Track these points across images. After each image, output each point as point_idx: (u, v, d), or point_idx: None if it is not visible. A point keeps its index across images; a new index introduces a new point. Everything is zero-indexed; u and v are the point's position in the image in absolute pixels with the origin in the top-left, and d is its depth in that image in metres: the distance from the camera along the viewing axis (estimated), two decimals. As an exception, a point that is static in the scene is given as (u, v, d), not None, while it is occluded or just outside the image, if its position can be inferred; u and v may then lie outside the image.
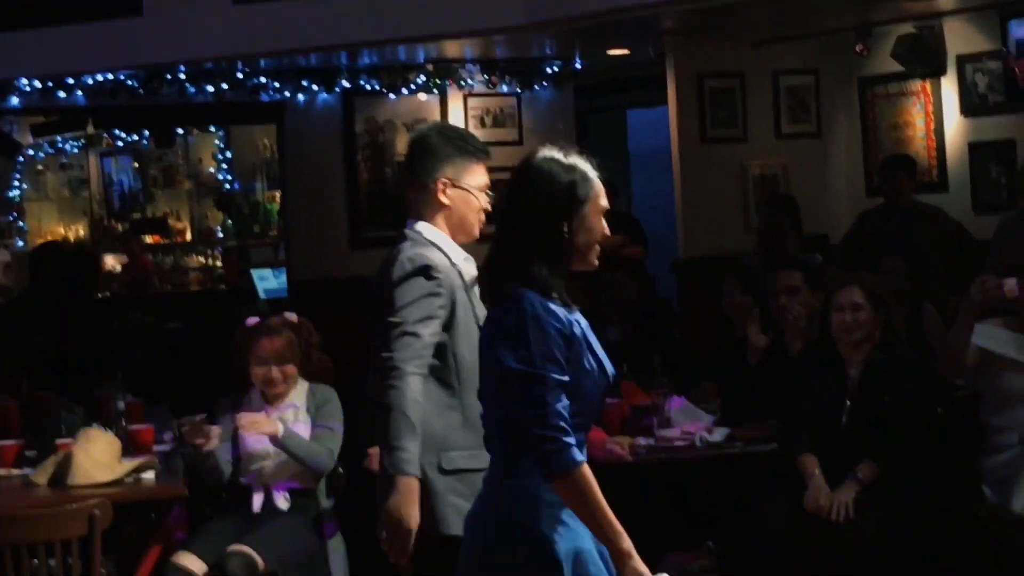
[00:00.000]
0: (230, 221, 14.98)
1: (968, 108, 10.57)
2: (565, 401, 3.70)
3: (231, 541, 6.14)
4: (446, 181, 4.67)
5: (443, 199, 4.67)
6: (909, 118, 10.98)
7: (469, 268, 4.62)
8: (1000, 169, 10.26)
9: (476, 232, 4.75)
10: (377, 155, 11.67)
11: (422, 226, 4.67)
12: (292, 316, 6.64)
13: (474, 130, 11.83)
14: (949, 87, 10.66)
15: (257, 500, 6.37)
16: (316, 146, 11.56)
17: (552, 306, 3.78)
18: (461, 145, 4.73)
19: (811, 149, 11.41)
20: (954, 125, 10.69)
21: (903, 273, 8.34)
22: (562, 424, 3.67)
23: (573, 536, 3.79)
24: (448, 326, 4.57)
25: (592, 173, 3.98)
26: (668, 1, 8.53)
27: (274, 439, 6.21)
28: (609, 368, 3.93)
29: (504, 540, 3.78)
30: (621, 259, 10.67)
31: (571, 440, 3.68)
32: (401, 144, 11.61)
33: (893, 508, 5.97)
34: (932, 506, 6.10)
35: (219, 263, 15.14)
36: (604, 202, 4.00)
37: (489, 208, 4.73)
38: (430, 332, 4.50)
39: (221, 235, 15.11)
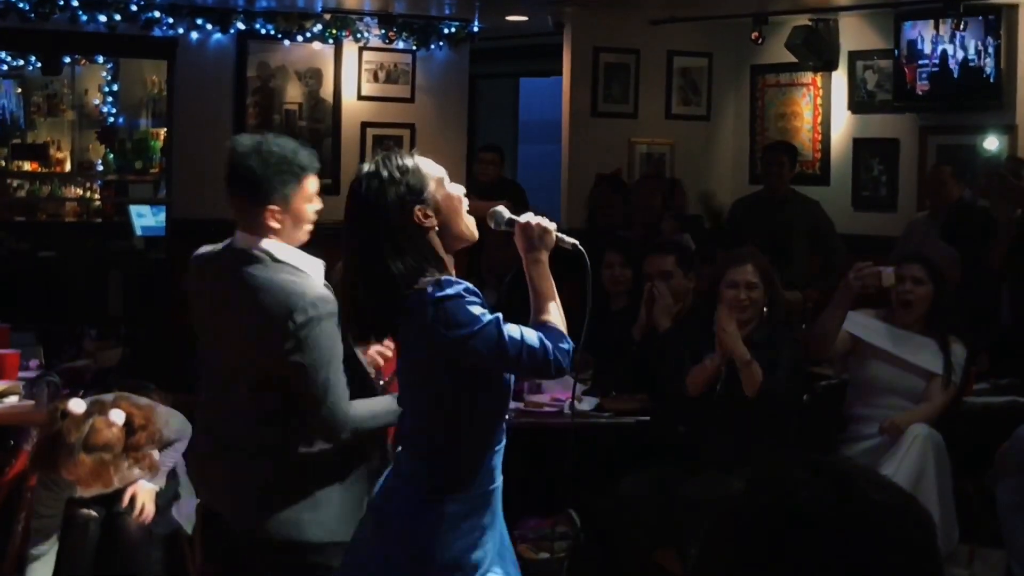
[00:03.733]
0: (112, 155, 14.80)
1: (856, 104, 10.74)
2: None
3: None
4: (275, 209, 4.38)
5: (274, 225, 4.40)
6: (797, 109, 11.12)
7: (319, 270, 4.54)
8: (882, 167, 10.45)
9: (306, 236, 4.52)
10: (267, 100, 11.59)
11: (271, 245, 4.40)
12: (117, 419, 5.74)
13: (367, 84, 11.82)
14: (839, 82, 10.82)
15: None
16: (206, 87, 11.45)
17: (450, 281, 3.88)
18: (286, 169, 4.43)
19: (699, 132, 11.52)
20: (841, 120, 10.86)
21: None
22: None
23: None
24: None
25: (411, 162, 3.97)
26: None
27: None
28: None
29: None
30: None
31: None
32: (292, 91, 11.57)
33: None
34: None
35: (97, 196, 14.97)
36: (440, 173, 4.00)
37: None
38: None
39: (101, 168, 14.92)
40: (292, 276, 4.34)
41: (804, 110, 11.08)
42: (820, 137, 10.96)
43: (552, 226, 4.09)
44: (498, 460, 3.96)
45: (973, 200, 9.07)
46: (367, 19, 11.62)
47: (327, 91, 11.74)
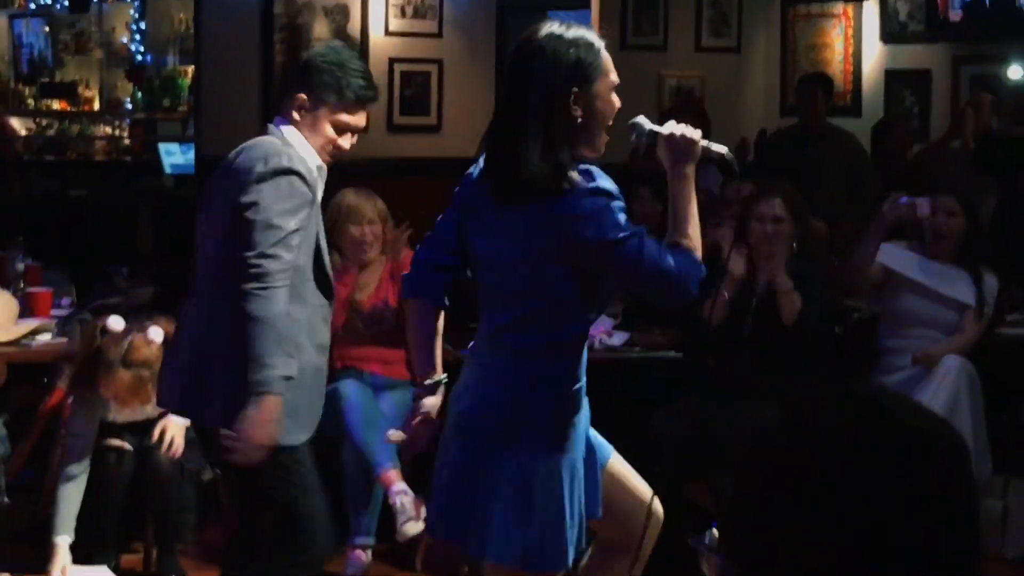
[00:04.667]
0: (140, 93, 14.81)
1: (888, 35, 10.67)
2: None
3: None
4: (303, 99, 4.55)
5: (295, 115, 4.56)
6: (828, 40, 11.05)
7: (321, 179, 4.60)
8: (914, 99, 10.39)
9: (324, 157, 4.61)
10: (294, 37, 11.54)
11: (288, 131, 4.55)
12: (156, 337, 5.83)
13: (394, 19, 11.77)
14: (870, 12, 10.75)
15: None
16: (233, 24, 11.41)
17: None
18: (336, 79, 4.58)
19: (729, 64, 11.45)
20: (873, 51, 10.79)
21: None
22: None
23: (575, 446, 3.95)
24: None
25: (600, 44, 3.86)
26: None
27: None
28: None
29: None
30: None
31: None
32: (320, 28, 11.50)
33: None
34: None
35: (126, 135, 14.99)
36: (614, 77, 3.89)
37: (347, 148, 4.66)
38: (297, 243, 4.40)
39: (130, 107, 14.94)
40: (281, 145, 4.48)
41: (835, 41, 11.01)
42: (852, 69, 10.90)
43: (697, 134, 3.90)
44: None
45: (1004, 130, 9.03)
46: (395, -47, 11.58)
47: (355, 27, 11.68)
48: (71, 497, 5.88)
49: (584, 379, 4.00)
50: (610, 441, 6.04)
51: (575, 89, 3.76)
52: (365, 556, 6.26)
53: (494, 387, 3.90)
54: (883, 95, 10.68)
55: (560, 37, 3.79)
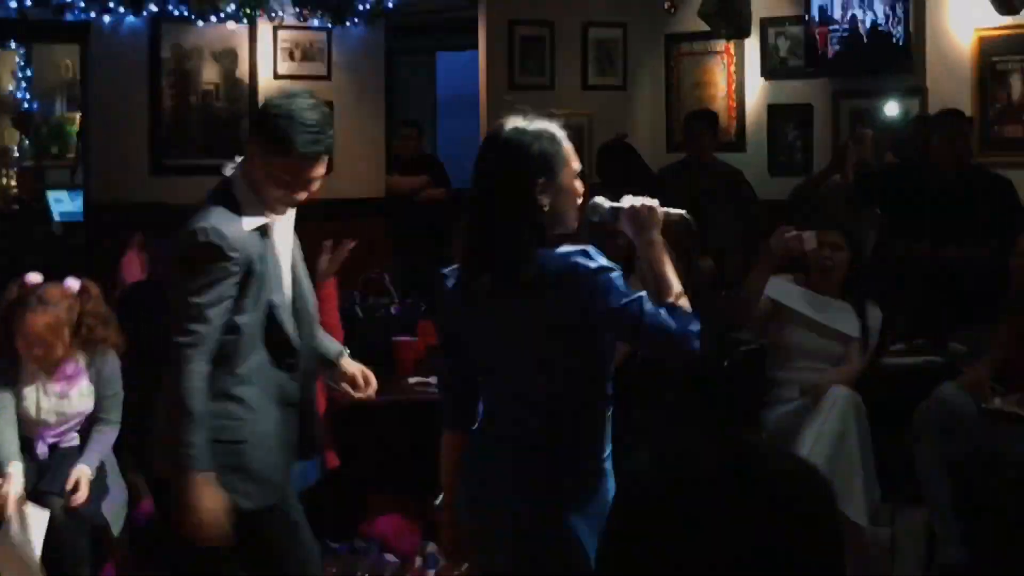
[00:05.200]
0: (27, 141, 14.67)
1: (769, 71, 10.80)
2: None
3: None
4: (255, 141, 4.44)
5: (260, 174, 4.41)
6: (712, 77, 11.17)
7: (283, 223, 4.50)
8: (796, 132, 10.51)
9: (277, 208, 4.47)
10: (182, 83, 11.50)
11: (237, 182, 4.43)
12: (73, 285, 6.14)
13: (283, 63, 11.76)
14: (752, 49, 10.86)
15: (41, 448, 6.28)
16: (120, 70, 11.35)
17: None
18: (283, 134, 4.37)
19: (617, 101, 11.54)
20: (755, 87, 10.91)
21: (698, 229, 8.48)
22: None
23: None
24: (237, 303, 4.37)
25: (562, 135, 3.97)
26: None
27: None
28: None
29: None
30: (422, 201, 10.72)
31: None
32: (208, 73, 11.48)
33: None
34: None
35: (14, 183, 14.83)
36: (576, 165, 4.00)
37: (302, 198, 4.47)
38: (218, 315, 4.28)
39: (17, 154, 14.79)
40: (215, 210, 4.35)
41: (719, 78, 11.13)
42: (735, 104, 11.02)
43: (655, 202, 4.05)
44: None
45: (882, 163, 9.18)
46: (281, -3, 11.57)
47: (243, 71, 11.67)
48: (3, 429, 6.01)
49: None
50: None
51: (540, 180, 3.88)
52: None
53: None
54: (766, 130, 10.81)
55: (523, 131, 3.91)
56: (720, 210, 9.24)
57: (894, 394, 6.74)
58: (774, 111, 10.78)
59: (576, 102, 11.32)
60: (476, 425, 4.09)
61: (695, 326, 3.89)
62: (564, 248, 3.87)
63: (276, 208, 4.44)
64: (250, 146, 4.43)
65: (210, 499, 4.22)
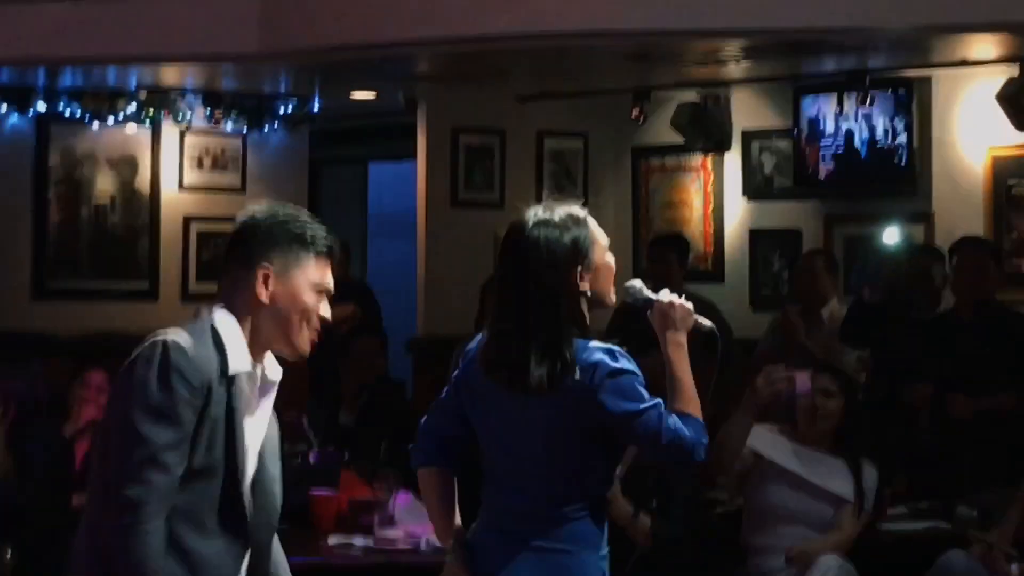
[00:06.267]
0: None
1: (752, 190, 10.86)
2: None
3: None
4: (268, 270, 4.15)
5: (262, 293, 4.14)
6: (686, 196, 11.19)
7: (270, 373, 4.26)
8: (783, 261, 10.49)
9: (301, 343, 4.24)
10: (72, 193, 11.47)
11: (220, 316, 4.12)
12: None
13: (191, 172, 11.79)
14: (733, 165, 10.92)
15: None
16: (1, 178, 11.34)
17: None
18: (299, 232, 4.20)
19: (575, 223, 11.57)
20: (735, 208, 10.95)
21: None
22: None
23: None
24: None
25: (584, 213, 4.46)
26: (423, 41, 8.57)
27: None
28: None
29: None
30: (347, 332, 10.68)
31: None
32: (102, 182, 11.48)
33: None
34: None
35: None
36: (605, 240, 4.48)
37: (326, 318, 4.28)
38: (176, 459, 3.98)
39: None
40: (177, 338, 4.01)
41: (694, 197, 11.15)
42: (712, 228, 11.04)
43: (690, 306, 4.52)
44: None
45: (875, 299, 9.20)
46: (189, 97, 11.56)
47: (143, 181, 11.66)
48: None
49: None
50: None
51: (579, 268, 4.37)
52: None
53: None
54: (748, 257, 10.83)
55: (548, 222, 4.39)
56: (693, 353, 9.19)
57: (893, 564, 6.74)
58: (757, 236, 10.83)
59: (529, 222, 11.36)
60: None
61: (705, 437, 4.36)
62: (593, 343, 4.32)
63: (295, 344, 4.24)
64: (245, 268, 4.16)
65: None
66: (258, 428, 4.28)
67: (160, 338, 3.99)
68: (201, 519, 4.09)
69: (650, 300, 4.55)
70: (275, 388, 4.32)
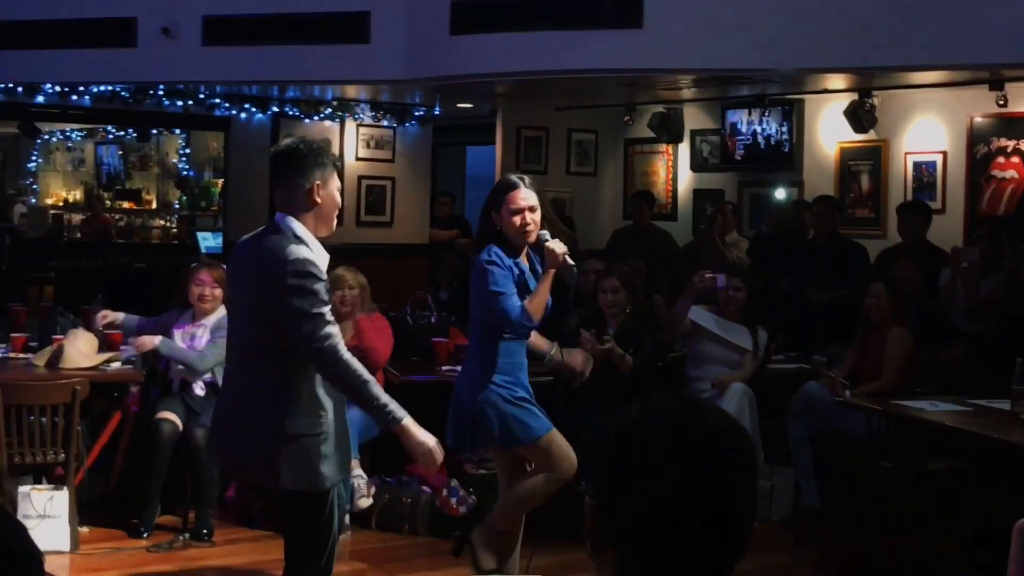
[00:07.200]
0: (184, 197, 14.72)
1: (695, 166, 10.80)
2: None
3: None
4: (319, 184, 3.81)
5: (316, 199, 3.81)
6: (656, 169, 11.16)
7: (325, 260, 3.84)
8: (712, 209, 10.43)
9: (332, 228, 3.91)
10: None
11: (292, 223, 3.79)
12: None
13: (362, 149, 11.79)
14: (684, 151, 10.87)
15: (175, 386, 6.26)
16: (250, 150, 11.37)
17: (500, 252, 4.46)
18: (324, 159, 3.87)
19: (589, 184, 11.56)
20: (685, 176, 10.91)
21: (642, 271, 8.46)
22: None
23: None
24: None
25: (512, 182, 4.58)
26: (499, 74, 8.55)
27: (155, 350, 6.16)
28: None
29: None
30: (456, 247, 10.71)
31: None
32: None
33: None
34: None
35: (174, 226, 14.88)
36: (513, 204, 4.48)
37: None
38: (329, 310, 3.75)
39: (177, 206, 14.85)
40: (297, 245, 3.74)
41: (660, 170, 11.12)
42: (671, 188, 11.00)
43: (562, 251, 4.42)
44: None
45: (769, 231, 9.16)
46: (362, 104, 11.59)
47: (335, 154, 11.69)
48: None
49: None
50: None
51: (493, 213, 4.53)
52: (343, 519, 6.19)
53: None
54: (692, 206, 10.81)
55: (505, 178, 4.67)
56: (657, 261, 9.21)
57: (773, 389, 6.75)
58: (698, 194, 10.79)
59: (561, 184, 11.35)
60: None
61: (528, 322, 4.39)
62: (495, 248, 4.45)
63: (331, 228, 3.92)
64: (293, 192, 3.82)
65: (424, 434, 3.79)
66: None
67: (309, 265, 3.70)
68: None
69: (546, 242, 4.45)
70: None
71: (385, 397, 3.73)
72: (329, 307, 3.74)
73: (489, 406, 4.48)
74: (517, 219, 4.44)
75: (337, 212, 3.91)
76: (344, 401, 3.89)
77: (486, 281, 4.38)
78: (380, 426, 3.92)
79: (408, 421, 3.76)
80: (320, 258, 3.78)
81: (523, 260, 4.54)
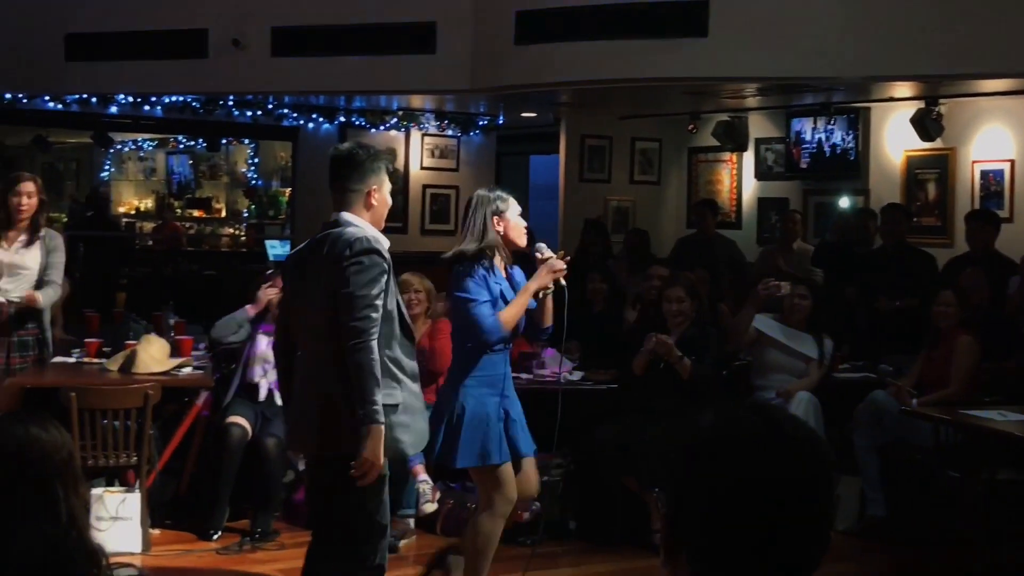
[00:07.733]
0: (253, 206, 14.87)
1: (760, 174, 10.74)
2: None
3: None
4: (375, 189, 3.99)
5: (373, 202, 3.99)
6: (720, 177, 11.11)
7: (386, 244, 3.99)
8: (778, 217, 10.38)
9: (382, 226, 4.07)
10: (359, 170, 11.57)
11: (351, 216, 3.97)
12: None
13: (427, 158, 11.87)
14: (748, 159, 10.80)
15: (263, 390, 6.31)
16: (317, 160, 11.37)
17: (481, 268, 4.42)
18: (379, 165, 4.03)
19: (653, 193, 11.53)
20: (749, 185, 10.85)
21: (706, 280, 8.42)
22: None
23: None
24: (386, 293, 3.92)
25: (506, 196, 4.60)
26: (563, 83, 8.55)
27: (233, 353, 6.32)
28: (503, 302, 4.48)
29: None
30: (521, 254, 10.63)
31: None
32: (376, 163, 11.56)
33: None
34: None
35: (243, 234, 15.04)
36: (510, 214, 4.55)
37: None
38: (382, 303, 3.86)
39: (246, 215, 15.01)
40: (360, 229, 3.91)
41: (724, 178, 11.07)
42: (735, 197, 10.95)
43: (560, 264, 4.46)
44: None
45: (833, 240, 9.08)
46: (427, 114, 11.67)
47: (400, 163, 11.79)
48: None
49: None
50: (570, 446, 6.04)
51: (495, 217, 4.54)
52: (408, 524, 6.25)
53: None
54: (756, 214, 10.74)
55: (486, 195, 4.60)
56: (721, 269, 9.15)
57: (839, 398, 6.68)
58: (762, 202, 10.72)
59: (625, 192, 11.34)
60: None
61: (498, 334, 4.38)
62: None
63: (381, 227, 4.07)
64: (352, 195, 3.98)
65: (378, 449, 3.83)
66: None
67: (371, 243, 3.86)
68: (393, 335, 3.94)
69: (539, 251, 4.53)
70: None
71: (380, 399, 3.81)
72: (381, 293, 3.84)
73: (457, 419, 4.46)
74: (521, 221, 4.55)
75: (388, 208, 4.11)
76: (417, 376, 4.05)
77: (458, 287, 4.39)
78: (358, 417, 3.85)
79: (380, 429, 3.80)
80: (383, 242, 3.95)
81: (501, 272, 4.49)
